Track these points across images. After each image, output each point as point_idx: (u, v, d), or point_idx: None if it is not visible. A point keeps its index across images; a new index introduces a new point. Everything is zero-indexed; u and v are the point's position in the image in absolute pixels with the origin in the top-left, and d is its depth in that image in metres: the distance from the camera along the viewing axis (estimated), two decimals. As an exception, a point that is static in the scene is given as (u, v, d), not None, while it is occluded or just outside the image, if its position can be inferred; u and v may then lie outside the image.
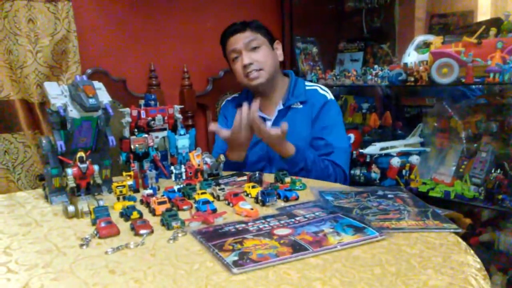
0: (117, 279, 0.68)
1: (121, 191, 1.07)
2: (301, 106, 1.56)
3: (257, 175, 1.22)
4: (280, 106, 1.58)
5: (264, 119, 1.57)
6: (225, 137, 1.39)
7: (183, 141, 1.30)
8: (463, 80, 1.65)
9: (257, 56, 1.53)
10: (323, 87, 1.64)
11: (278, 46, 1.64)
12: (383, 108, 2.39)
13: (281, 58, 1.64)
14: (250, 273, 0.69)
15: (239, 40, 1.54)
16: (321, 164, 1.45)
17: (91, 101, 1.00)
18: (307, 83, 1.65)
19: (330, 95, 1.60)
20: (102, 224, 0.87)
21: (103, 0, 1.82)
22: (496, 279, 1.75)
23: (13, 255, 0.79)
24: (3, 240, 0.86)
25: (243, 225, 0.88)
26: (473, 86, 1.88)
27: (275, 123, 1.55)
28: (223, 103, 1.81)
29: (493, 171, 1.67)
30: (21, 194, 1.20)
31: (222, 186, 1.12)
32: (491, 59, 1.57)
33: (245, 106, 1.35)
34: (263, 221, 0.90)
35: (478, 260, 0.73)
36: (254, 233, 0.83)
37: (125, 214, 0.95)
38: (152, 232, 0.87)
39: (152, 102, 1.33)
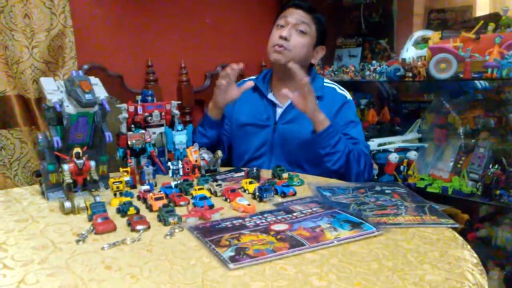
0: (113, 274, 0.68)
1: (118, 187, 1.06)
2: (317, 101, 1.53)
3: (254, 170, 1.22)
4: None
5: (276, 106, 1.56)
6: (220, 87, 1.45)
7: (180, 137, 1.30)
8: (461, 76, 1.65)
9: (296, 39, 1.49)
10: (341, 87, 1.61)
11: (320, 51, 1.60)
12: (381, 104, 2.39)
13: (314, 60, 1.60)
14: (246, 268, 0.68)
15: (295, 15, 1.50)
16: (352, 146, 1.43)
17: (88, 96, 1.00)
18: (326, 80, 1.63)
19: (349, 95, 1.58)
20: (99, 220, 0.86)
21: (99, -5, 1.81)
22: (493, 275, 1.75)
23: (9, 251, 0.78)
24: (-1, 236, 0.85)
25: (240, 220, 0.88)
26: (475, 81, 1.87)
27: (287, 111, 1.53)
28: (239, 82, 1.71)
29: (491, 166, 1.68)
30: (17, 190, 1.20)
31: (220, 182, 1.12)
32: (489, 55, 1.57)
33: (230, 67, 1.42)
34: (260, 216, 0.90)
35: (475, 255, 0.74)
36: (251, 229, 0.83)
37: (122, 210, 0.95)
38: (148, 228, 0.87)
39: (149, 98, 1.32)
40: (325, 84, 1.59)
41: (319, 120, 1.36)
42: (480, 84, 1.95)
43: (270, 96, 1.58)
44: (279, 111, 1.56)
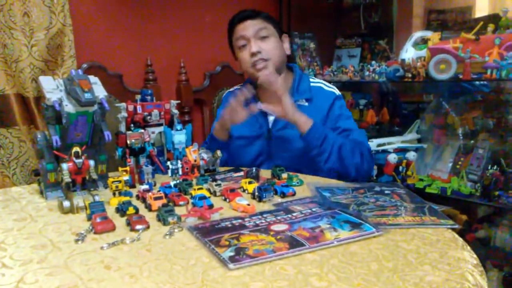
0: (112, 274, 0.68)
1: (117, 187, 1.06)
2: (306, 104, 1.52)
3: (254, 170, 1.22)
4: None
5: (267, 114, 1.56)
6: (225, 116, 1.44)
7: (179, 137, 1.30)
8: (461, 77, 1.65)
9: (265, 46, 1.48)
10: (327, 83, 1.60)
11: (286, 40, 1.59)
12: (380, 105, 2.39)
13: (288, 52, 1.59)
14: (246, 268, 0.68)
15: (249, 27, 1.49)
16: (344, 139, 1.42)
17: (87, 95, 0.99)
18: (311, 79, 1.62)
19: (337, 91, 1.58)
20: (98, 220, 0.86)
21: (99, -6, 1.81)
22: (492, 275, 1.75)
23: (8, 250, 0.78)
24: (-2, 235, 0.85)
25: (240, 220, 0.88)
26: (477, 83, 1.87)
27: (278, 118, 1.53)
28: (225, 93, 1.77)
29: (489, 167, 1.68)
30: (16, 189, 1.19)
31: (219, 182, 1.12)
32: (488, 56, 1.57)
33: (241, 92, 1.39)
34: (259, 216, 0.90)
35: (475, 256, 0.73)
36: (250, 229, 0.83)
37: (121, 210, 0.94)
38: (148, 227, 0.86)
39: (149, 97, 1.32)
40: (311, 84, 1.58)
41: (301, 122, 1.36)
42: (479, 85, 1.95)
43: (259, 105, 1.57)
44: (271, 119, 1.55)
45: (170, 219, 0.88)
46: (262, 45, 1.48)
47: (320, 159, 1.37)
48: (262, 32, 1.48)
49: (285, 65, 1.59)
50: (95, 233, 0.84)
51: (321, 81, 1.62)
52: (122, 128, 1.25)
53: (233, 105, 1.40)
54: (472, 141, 1.84)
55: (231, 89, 1.75)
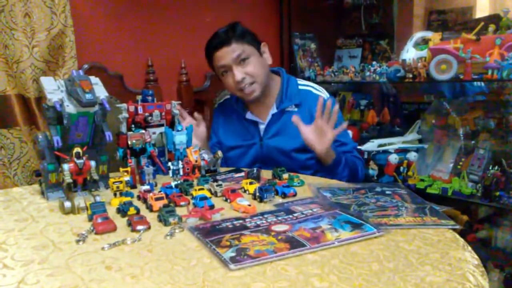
0: (113, 275, 0.68)
1: (118, 187, 1.06)
2: (296, 109, 1.52)
3: (255, 171, 1.22)
4: (274, 110, 1.53)
5: (257, 123, 1.56)
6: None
7: (180, 137, 1.30)
8: (462, 77, 1.64)
9: (248, 69, 1.46)
10: (316, 86, 1.59)
11: (265, 49, 1.56)
12: (381, 105, 2.39)
13: (269, 61, 1.56)
14: (247, 269, 0.68)
15: (227, 56, 1.46)
16: (352, 164, 1.46)
17: (88, 96, 0.99)
18: (299, 81, 1.60)
19: (325, 93, 1.56)
20: (99, 220, 0.86)
21: (100, -5, 1.81)
22: (493, 276, 1.75)
23: (9, 250, 0.78)
24: (-1, 236, 0.85)
25: (241, 221, 0.88)
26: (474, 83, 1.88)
27: (269, 126, 1.54)
28: (216, 106, 1.79)
29: (490, 168, 1.67)
30: (17, 190, 1.19)
31: (220, 182, 1.12)
32: (489, 56, 1.56)
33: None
34: (260, 217, 0.90)
35: (476, 256, 0.73)
36: (251, 229, 0.83)
37: (122, 210, 0.94)
38: (149, 228, 0.87)
39: (150, 98, 1.32)
40: (299, 86, 1.57)
41: (327, 156, 1.36)
42: (480, 85, 1.95)
43: (249, 115, 1.58)
44: (261, 127, 1.56)
45: (171, 220, 0.88)
46: (245, 69, 1.47)
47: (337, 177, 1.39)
48: (241, 56, 1.46)
49: (270, 72, 1.58)
50: (96, 233, 0.84)
51: (309, 83, 1.61)
52: (123, 128, 1.25)
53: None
54: (473, 142, 1.83)
55: (221, 101, 1.76)
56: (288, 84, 1.56)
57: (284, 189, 1.08)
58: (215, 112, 1.76)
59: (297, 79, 1.63)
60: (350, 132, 2.01)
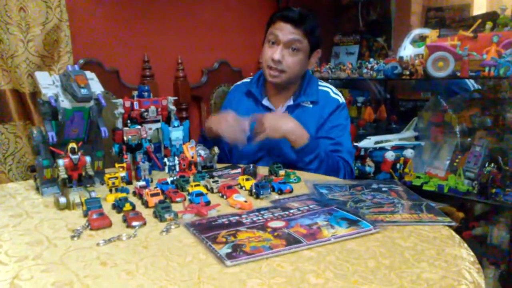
0: (108, 271, 0.68)
1: (113, 183, 1.05)
2: (311, 106, 1.54)
3: (251, 167, 1.22)
4: (290, 102, 1.55)
5: (271, 111, 1.56)
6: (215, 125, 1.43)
7: (176, 133, 1.29)
8: (459, 74, 1.65)
9: (289, 59, 1.47)
10: (335, 89, 1.61)
11: (316, 55, 1.56)
12: (378, 102, 2.40)
13: (310, 67, 1.59)
14: (243, 265, 0.68)
15: (286, 32, 1.45)
16: (333, 158, 1.45)
17: (83, 91, 0.99)
18: (320, 82, 1.62)
19: (342, 99, 1.59)
20: (94, 216, 0.86)
21: (96, -11, 1.80)
22: (488, 273, 1.76)
23: (3, 246, 0.77)
24: (-7, 232, 0.84)
25: (237, 217, 0.87)
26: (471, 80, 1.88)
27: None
28: (232, 87, 1.77)
29: (487, 165, 1.68)
30: (12, 185, 1.19)
31: (216, 179, 1.11)
32: (486, 53, 1.57)
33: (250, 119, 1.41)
34: (257, 213, 0.90)
35: (472, 253, 0.73)
36: (247, 226, 0.82)
37: (118, 206, 0.94)
38: (144, 224, 0.86)
39: (146, 93, 1.31)
40: (319, 87, 1.60)
41: (297, 136, 1.38)
42: (477, 82, 1.95)
43: (265, 101, 1.58)
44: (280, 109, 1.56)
45: (166, 216, 0.88)
46: (286, 56, 1.47)
47: (304, 167, 1.39)
48: (295, 44, 1.46)
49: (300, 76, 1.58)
50: (91, 229, 0.84)
51: (330, 86, 1.62)
52: (119, 124, 1.25)
53: (230, 122, 1.39)
54: (469, 139, 1.84)
55: (238, 83, 1.74)
56: (309, 82, 1.58)
57: (280, 186, 1.07)
58: (229, 93, 1.75)
59: (319, 80, 1.65)
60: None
